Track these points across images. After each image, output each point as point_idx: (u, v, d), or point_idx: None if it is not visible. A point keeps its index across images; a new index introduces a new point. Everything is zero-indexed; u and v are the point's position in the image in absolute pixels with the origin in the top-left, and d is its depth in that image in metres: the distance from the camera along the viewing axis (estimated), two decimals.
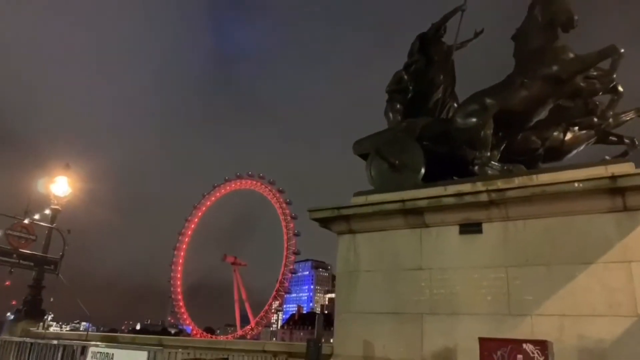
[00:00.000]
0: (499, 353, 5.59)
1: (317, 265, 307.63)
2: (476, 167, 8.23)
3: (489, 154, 8.19)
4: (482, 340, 5.74)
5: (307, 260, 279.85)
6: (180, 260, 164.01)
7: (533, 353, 5.40)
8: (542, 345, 5.38)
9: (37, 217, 14.34)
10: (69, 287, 12.56)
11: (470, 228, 7.33)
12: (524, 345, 5.46)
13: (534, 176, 7.22)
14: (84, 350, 6.93)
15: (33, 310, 12.81)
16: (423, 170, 8.58)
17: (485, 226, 7.23)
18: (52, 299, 13.23)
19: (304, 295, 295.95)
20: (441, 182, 7.97)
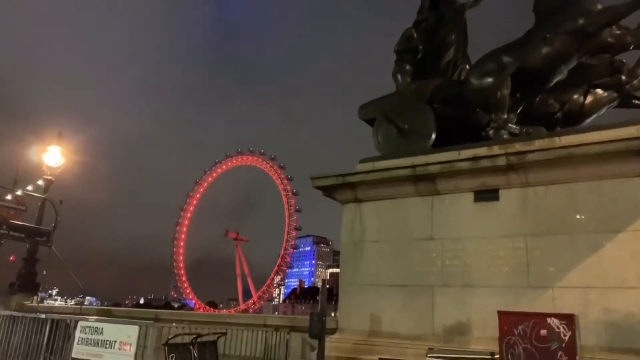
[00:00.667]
0: (520, 328, 5.12)
1: (319, 240, 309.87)
2: (491, 131, 7.63)
3: (505, 116, 7.57)
4: (501, 314, 5.27)
5: (308, 235, 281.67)
6: (183, 236, 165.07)
7: (558, 328, 4.93)
8: (569, 319, 4.91)
9: (29, 188, 13.86)
10: (62, 259, 12.17)
11: (486, 195, 6.79)
12: (549, 320, 4.98)
13: (557, 138, 6.63)
14: (74, 324, 6.50)
15: (27, 284, 12.45)
16: (434, 136, 7.99)
17: (502, 193, 6.68)
18: (44, 272, 12.83)
19: (306, 270, 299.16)
20: (454, 147, 7.39)
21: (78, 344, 6.31)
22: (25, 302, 11.83)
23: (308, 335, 6.75)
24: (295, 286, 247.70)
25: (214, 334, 6.42)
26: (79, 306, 10.77)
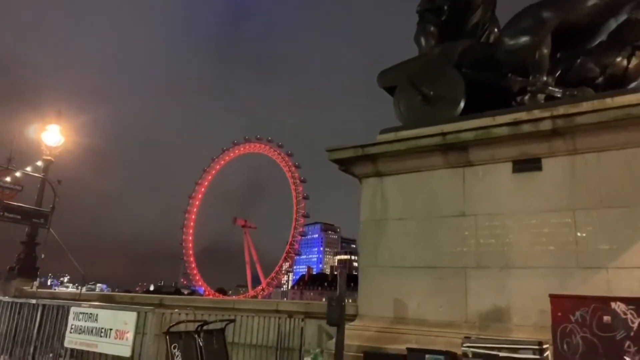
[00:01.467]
0: (577, 314, 4.38)
1: (327, 227, 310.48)
2: (527, 97, 6.81)
3: (545, 78, 6.73)
4: (554, 299, 4.52)
5: (316, 223, 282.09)
6: (192, 224, 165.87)
7: (625, 314, 4.18)
8: (638, 304, 4.15)
9: (28, 169, 13.24)
10: (60, 243, 11.56)
11: (527, 165, 6.00)
12: (613, 304, 4.23)
13: (608, 99, 5.80)
14: (67, 310, 5.85)
15: (27, 268, 11.91)
16: (463, 102, 7.17)
17: (545, 162, 5.89)
18: (42, 255, 12.24)
19: (314, 257, 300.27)
20: (488, 113, 6.57)
21: (71, 332, 5.67)
22: (25, 288, 11.29)
23: (326, 322, 6.05)
24: (304, 273, 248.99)
25: (222, 321, 5.75)
26: (78, 292, 10.22)
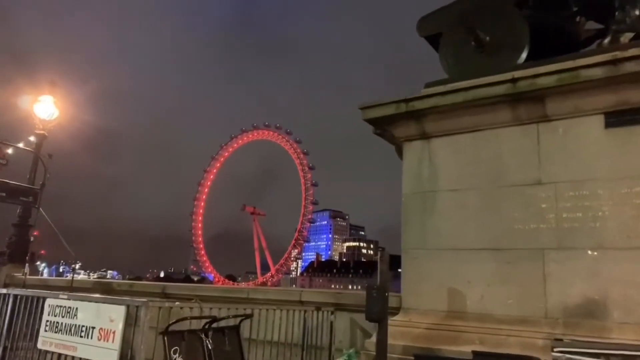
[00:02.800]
0: None
1: (335, 214, 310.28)
2: (607, 40, 5.41)
3: (638, 12, 5.33)
4: None
5: (325, 210, 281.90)
6: (201, 210, 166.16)
7: None
8: None
9: (21, 145, 12.09)
10: (51, 224, 10.42)
11: (625, 117, 4.65)
12: None
13: None
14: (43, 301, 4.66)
15: (18, 253, 10.83)
16: (527, 50, 5.80)
17: None
18: (32, 239, 11.13)
19: (322, 244, 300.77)
20: (560, 58, 5.17)
21: (45, 330, 4.47)
22: (17, 274, 10.20)
23: (365, 317, 4.79)
24: (313, 259, 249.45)
25: (236, 316, 4.52)
26: (70, 278, 9.10)
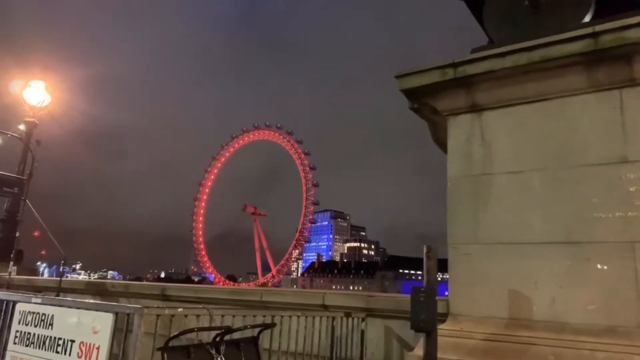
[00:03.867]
0: None
1: (336, 215, 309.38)
2: None
3: None
4: None
5: (326, 210, 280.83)
6: (201, 211, 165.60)
7: None
8: None
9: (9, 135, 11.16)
10: (38, 218, 9.47)
11: None
12: None
13: None
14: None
15: (4, 251, 9.89)
16: (592, 8, 4.89)
17: None
18: (17, 234, 10.18)
19: (323, 245, 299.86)
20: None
21: (15, 342, 3.54)
22: (1, 274, 9.27)
23: (411, 326, 3.86)
24: (314, 260, 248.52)
25: (254, 326, 3.58)
26: (60, 279, 8.14)
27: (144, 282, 8.16)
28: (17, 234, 9.89)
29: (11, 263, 8.78)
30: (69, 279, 9.08)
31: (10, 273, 8.42)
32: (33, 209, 9.40)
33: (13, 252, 9.18)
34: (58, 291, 7.07)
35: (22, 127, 11.10)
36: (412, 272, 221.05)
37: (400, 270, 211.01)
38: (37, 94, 11.16)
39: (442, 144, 5.44)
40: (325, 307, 5.25)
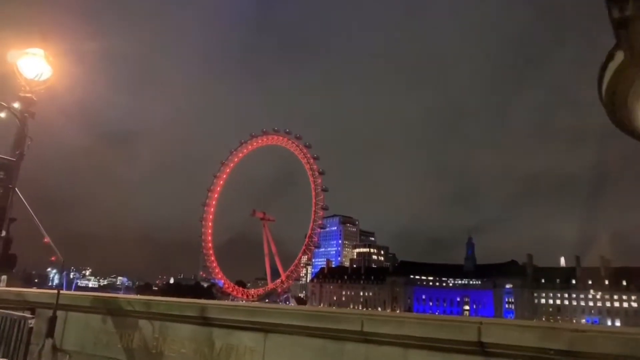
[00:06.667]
0: None
1: (345, 220, 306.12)
2: None
3: None
4: None
5: (335, 215, 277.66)
6: (210, 216, 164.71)
7: None
8: None
9: (2, 115, 9.26)
10: (31, 213, 7.51)
11: None
12: None
13: None
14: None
15: None
16: None
17: None
18: (3, 233, 8.22)
19: (332, 250, 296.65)
20: None
21: None
22: None
23: None
24: (322, 265, 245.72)
25: None
26: (63, 291, 6.14)
27: (173, 299, 6.15)
28: (4, 233, 7.87)
29: None
30: (71, 292, 7.10)
31: (3, 283, 6.45)
32: (23, 199, 7.43)
33: (15, 257, 7.14)
34: (55, 309, 5.14)
35: (16, 105, 9.16)
36: (423, 277, 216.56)
37: (411, 276, 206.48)
38: (35, 64, 9.24)
39: None
40: (481, 346, 3.21)
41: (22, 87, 9.07)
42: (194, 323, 4.94)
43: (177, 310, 5.33)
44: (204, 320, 4.88)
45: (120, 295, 6.68)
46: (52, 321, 5.44)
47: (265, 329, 4.26)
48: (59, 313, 5.79)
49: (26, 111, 8.76)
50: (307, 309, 4.84)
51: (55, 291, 5.93)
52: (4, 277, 7.31)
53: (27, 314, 5.60)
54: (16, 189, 7.50)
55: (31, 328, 4.69)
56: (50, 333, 5.53)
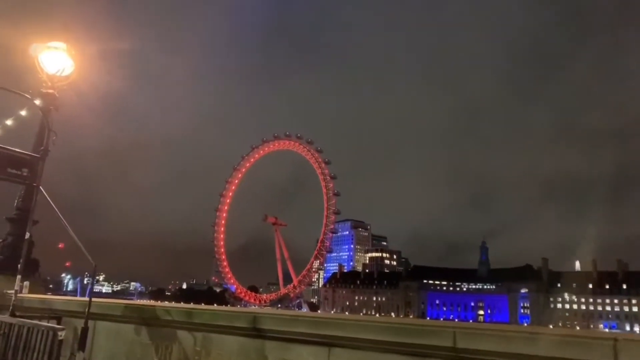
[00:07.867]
0: None
1: (357, 225, 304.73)
2: None
3: None
4: None
5: (346, 220, 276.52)
6: (223, 222, 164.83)
7: None
8: None
9: (23, 113, 8.82)
10: (59, 215, 6.91)
11: None
12: None
13: None
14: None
15: (14, 259, 7.43)
16: None
17: None
18: (28, 234, 7.64)
19: (345, 255, 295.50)
20: None
21: None
22: (8, 291, 6.84)
23: None
24: (335, 270, 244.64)
25: None
26: (89, 300, 5.64)
27: (218, 308, 5.59)
28: (28, 235, 7.28)
29: (19, 277, 6.25)
30: (100, 300, 6.57)
31: (16, 291, 5.93)
32: (49, 199, 6.89)
33: (21, 261, 6.59)
34: (87, 319, 4.61)
35: (37, 102, 8.69)
36: (437, 282, 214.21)
37: (425, 281, 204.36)
38: (57, 58, 8.78)
39: None
40: None
41: (43, 82, 8.64)
42: (243, 335, 4.30)
43: (224, 320, 4.69)
44: (257, 332, 4.23)
45: (158, 303, 6.17)
46: (84, 333, 4.90)
47: (328, 342, 3.66)
48: (91, 322, 5.25)
49: (51, 104, 8.30)
50: (384, 320, 4.05)
51: (86, 299, 5.38)
52: (27, 282, 6.80)
53: (54, 324, 5.11)
54: (41, 187, 6.98)
55: (61, 341, 4.19)
56: (81, 346, 5.01)
